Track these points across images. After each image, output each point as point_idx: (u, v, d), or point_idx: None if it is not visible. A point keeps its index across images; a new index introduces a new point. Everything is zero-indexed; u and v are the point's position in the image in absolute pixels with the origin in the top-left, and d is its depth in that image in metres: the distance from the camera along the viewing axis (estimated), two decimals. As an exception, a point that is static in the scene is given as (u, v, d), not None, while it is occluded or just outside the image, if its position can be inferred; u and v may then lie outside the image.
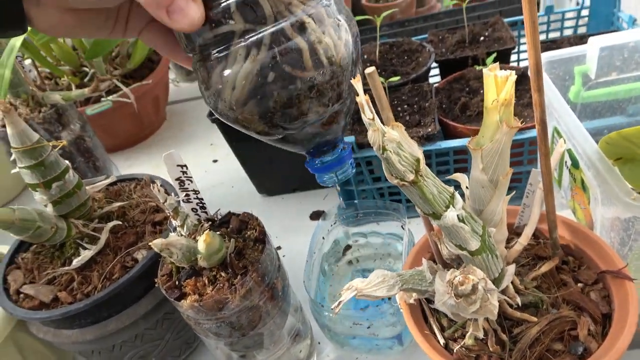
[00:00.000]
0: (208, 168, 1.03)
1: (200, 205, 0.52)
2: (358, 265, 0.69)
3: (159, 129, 1.21)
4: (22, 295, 0.53)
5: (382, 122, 0.31)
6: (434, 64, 0.82)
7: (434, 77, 0.89)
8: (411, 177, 0.33)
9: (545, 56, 0.55)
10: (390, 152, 0.32)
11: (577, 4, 1.02)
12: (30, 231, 0.49)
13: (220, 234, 0.47)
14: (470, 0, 1.12)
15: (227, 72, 0.30)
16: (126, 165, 1.12)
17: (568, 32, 0.92)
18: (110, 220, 0.57)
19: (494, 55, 0.69)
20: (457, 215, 0.34)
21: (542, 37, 0.88)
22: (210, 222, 0.50)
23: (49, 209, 0.52)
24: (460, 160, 0.67)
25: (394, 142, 0.32)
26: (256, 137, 0.35)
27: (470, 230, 0.35)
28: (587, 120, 0.60)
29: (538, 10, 1.06)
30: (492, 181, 0.37)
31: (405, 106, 0.73)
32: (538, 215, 0.43)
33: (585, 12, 0.87)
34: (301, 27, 0.28)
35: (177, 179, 0.49)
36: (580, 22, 0.90)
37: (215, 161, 1.04)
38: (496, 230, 0.39)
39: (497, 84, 0.34)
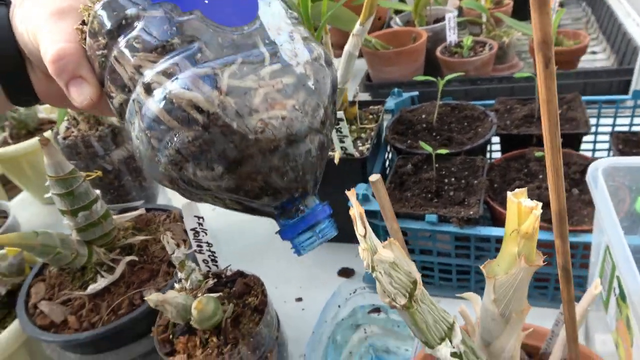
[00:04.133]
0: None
1: (212, 258, 0.51)
2: (371, 341, 0.65)
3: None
4: (38, 310, 0.55)
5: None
6: (496, 138, 0.77)
7: (496, 153, 0.83)
8: (403, 301, 0.30)
9: (610, 162, 0.49)
10: (381, 272, 0.29)
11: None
12: (50, 255, 0.51)
13: (220, 296, 0.46)
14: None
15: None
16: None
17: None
18: (132, 251, 0.58)
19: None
20: (453, 352, 0.31)
21: (625, 126, 0.79)
22: (215, 280, 0.49)
23: (74, 235, 0.54)
24: (502, 250, 0.61)
25: (385, 262, 0.29)
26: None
27: (464, 371, 0.31)
28: (653, 236, 0.53)
29: (627, 93, 0.97)
30: (504, 315, 0.33)
31: (453, 179, 0.68)
32: None
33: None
34: (147, 90, 0.25)
35: (192, 229, 0.49)
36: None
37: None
38: (503, 371, 0.34)
39: (520, 213, 0.31)
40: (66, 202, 0.51)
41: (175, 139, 0.25)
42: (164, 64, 0.25)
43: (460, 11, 1.36)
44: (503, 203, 0.65)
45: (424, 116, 0.82)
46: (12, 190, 1.31)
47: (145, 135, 0.26)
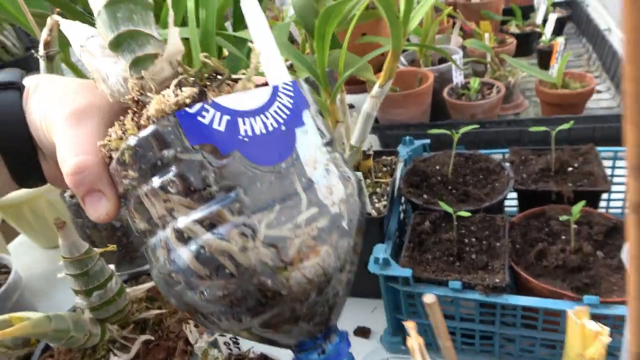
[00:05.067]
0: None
1: (234, 340, 0.49)
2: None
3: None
4: (46, 393, 0.53)
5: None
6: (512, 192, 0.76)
7: (510, 200, 0.82)
8: None
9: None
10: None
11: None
12: (63, 340, 0.48)
13: (246, 388, 0.44)
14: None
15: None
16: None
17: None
18: (146, 326, 0.56)
19: (582, 203, 0.61)
20: None
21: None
22: (239, 367, 0.47)
23: (87, 314, 0.51)
24: (529, 317, 0.59)
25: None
26: None
27: None
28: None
29: None
30: None
31: (473, 240, 0.67)
32: None
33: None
34: (180, 237, 0.23)
35: (214, 312, 0.47)
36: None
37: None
38: None
39: (584, 336, 0.29)
40: (80, 282, 0.48)
41: (205, 292, 0.24)
42: (200, 212, 0.23)
43: (464, 50, 1.37)
44: (527, 268, 0.63)
45: (438, 167, 0.81)
46: (8, 231, 1.28)
47: (171, 278, 0.25)
